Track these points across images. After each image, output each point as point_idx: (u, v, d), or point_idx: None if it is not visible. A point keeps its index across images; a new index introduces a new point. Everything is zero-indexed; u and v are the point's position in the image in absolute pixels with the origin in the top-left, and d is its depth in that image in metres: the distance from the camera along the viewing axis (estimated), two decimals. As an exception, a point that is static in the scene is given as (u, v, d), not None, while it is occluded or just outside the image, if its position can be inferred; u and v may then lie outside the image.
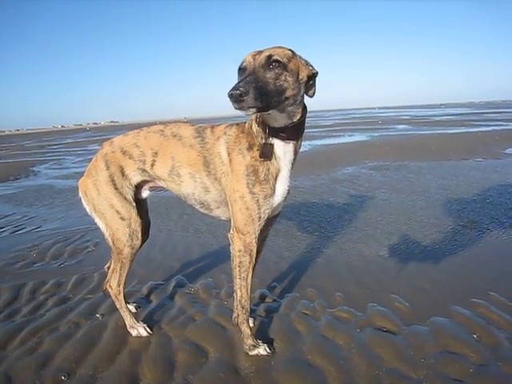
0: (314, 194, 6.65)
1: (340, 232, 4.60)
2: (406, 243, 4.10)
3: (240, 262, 2.25)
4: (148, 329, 2.67)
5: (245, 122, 2.29)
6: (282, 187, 2.24)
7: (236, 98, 1.72)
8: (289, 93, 1.93)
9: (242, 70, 1.91)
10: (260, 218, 2.20)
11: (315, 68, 2.06)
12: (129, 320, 2.66)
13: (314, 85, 2.11)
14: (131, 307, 3.00)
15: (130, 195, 2.45)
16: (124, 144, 2.44)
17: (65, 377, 2.24)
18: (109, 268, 2.80)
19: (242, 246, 2.22)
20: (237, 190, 2.16)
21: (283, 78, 1.89)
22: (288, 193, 2.30)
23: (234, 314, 2.38)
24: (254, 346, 2.34)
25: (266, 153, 2.12)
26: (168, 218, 5.69)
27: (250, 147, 2.17)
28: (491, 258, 3.60)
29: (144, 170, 2.42)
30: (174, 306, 3.07)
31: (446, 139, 13.50)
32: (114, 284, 2.61)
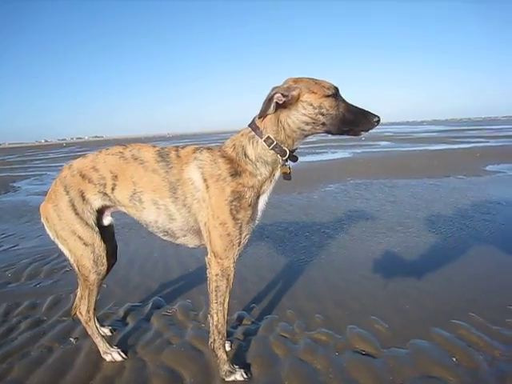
0: (295, 211, 6.66)
1: (321, 251, 4.60)
2: (387, 262, 4.13)
3: (217, 287, 2.22)
4: (122, 354, 2.60)
5: (217, 147, 2.27)
6: (261, 208, 2.26)
7: None
8: None
9: (337, 93, 2.07)
10: (240, 243, 2.19)
11: None
12: (102, 345, 2.59)
13: None
14: (106, 330, 2.93)
15: (91, 220, 2.37)
16: (83, 167, 2.36)
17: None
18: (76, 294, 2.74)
19: (219, 270, 2.20)
20: (217, 217, 2.13)
21: None
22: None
23: (211, 339, 2.34)
24: (231, 372, 2.30)
25: (289, 175, 2.20)
26: (148, 236, 5.61)
27: (237, 173, 2.14)
28: (472, 277, 3.62)
29: (105, 194, 2.34)
30: (151, 329, 3.01)
31: (427, 156, 13.74)
32: (84, 310, 2.54)
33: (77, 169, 2.38)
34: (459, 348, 2.53)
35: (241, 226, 2.15)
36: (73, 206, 2.33)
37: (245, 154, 2.17)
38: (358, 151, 17.17)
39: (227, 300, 2.26)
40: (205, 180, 2.16)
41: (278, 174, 2.24)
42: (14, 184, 13.13)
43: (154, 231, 2.39)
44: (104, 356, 2.58)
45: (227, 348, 2.62)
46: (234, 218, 2.12)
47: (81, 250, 2.37)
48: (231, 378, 2.29)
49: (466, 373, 2.30)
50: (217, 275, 2.20)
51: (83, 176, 2.34)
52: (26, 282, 4.14)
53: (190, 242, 2.38)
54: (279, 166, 2.20)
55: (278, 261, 4.40)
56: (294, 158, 2.23)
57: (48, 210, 2.39)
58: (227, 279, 2.22)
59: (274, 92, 2.03)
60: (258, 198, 2.22)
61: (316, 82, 2.07)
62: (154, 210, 2.29)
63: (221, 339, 2.30)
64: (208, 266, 2.24)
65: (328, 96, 2.03)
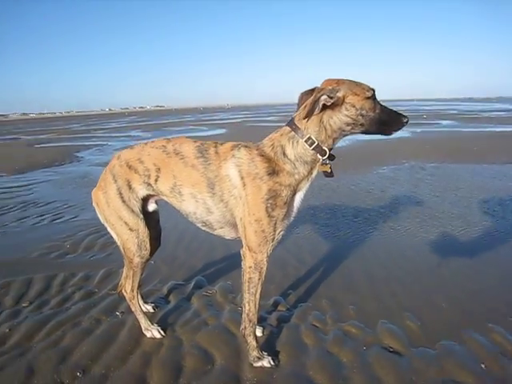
0: (345, 194, 6.61)
1: (364, 238, 4.57)
2: (431, 254, 4.04)
3: (249, 278, 2.32)
4: (161, 331, 2.79)
5: (255, 145, 2.32)
6: (296, 205, 2.32)
7: None
8: None
9: (375, 95, 2.14)
10: (274, 239, 2.27)
11: None
12: (143, 322, 2.79)
13: None
14: (149, 307, 3.14)
15: (137, 208, 2.53)
16: (130, 158, 2.51)
17: (80, 373, 2.40)
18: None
19: (252, 263, 2.29)
20: (253, 214, 2.21)
21: None
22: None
23: (242, 326, 2.45)
24: (259, 358, 2.41)
25: (331, 173, 2.30)
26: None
27: (274, 172, 2.20)
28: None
29: (149, 184, 2.49)
30: (190, 309, 3.18)
31: (492, 138, 12.94)
32: (128, 289, 2.74)
33: (124, 159, 2.52)
34: (490, 354, 2.48)
35: (275, 223, 2.22)
36: (120, 194, 2.50)
37: (283, 154, 2.22)
38: (418, 130, 16.50)
39: (259, 291, 2.35)
40: (242, 178, 2.23)
41: (315, 172, 2.30)
42: (78, 154, 13.90)
43: (193, 221, 2.52)
44: (145, 332, 2.78)
45: (259, 334, 2.74)
46: (269, 216, 2.19)
47: (126, 234, 2.55)
48: (259, 364, 2.40)
49: (493, 382, 2.26)
50: (250, 267, 2.30)
51: (130, 167, 2.49)
52: (82, 253, 4.46)
53: (227, 234, 2.49)
54: (318, 164, 2.26)
55: (320, 245, 4.43)
56: (332, 157, 2.28)
57: (98, 196, 2.58)
58: (259, 272, 2.30)
59: (320, 94, 2.07)
60: (294, 195, 2.28)
61: (357, 83, 2.13)
62: (193, 202, 2.41)
63: (251, 327, 2.41)
64: (243, 258, 2.34)
65: (368, 98, 2.10)
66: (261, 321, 2.94)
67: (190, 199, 2.40)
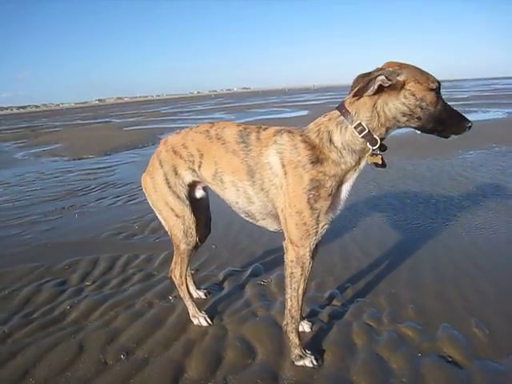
0: (426, 180, 6.12)
1: (438, 231, 4.16)
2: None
3: (291, 273, 2.16)
4: (208, 320, 2.74)
5: (299, 130, 2.13)
6: (343, 197, 2.13)
7: None
8: None
9: (439, 89, 1.92)
10: (317, 232, 2.09)
11: None
12: (191, 309, 2.76)
13: None
14: (201, 293, 3.12)
15: (183, 194, 2.47)
16: (175, 143, 2.45)
17: (124, 356, 2.43)
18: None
19: (294, 257, 2.13)
20: (294, 205, 2.04)
21: None
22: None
23: (284, 322, 2.31)
24: (301, 357, 2.26)
25: (384, 164, 2.05)
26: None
27: (318, 160, 2.01)
28: None
29: (194, 170, 2.41)
30: (242, 297, 3.10)
31: None
32: (177, 275, 2.72)
33: (170, 145, 2.48)
34: None
35: (318, 216, 2.03)
36: (166, 179, 2.46)
37: (330, 141, 2.01)
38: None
39: (302, 287, 2.19)
40: (283, 166, 2.07)
41: (364, 163, 2.07)
42: (161, 136, 14.45)
43: (236, 211, 2.41)
44: (192, 319, 2.75)
45: (307, 329, 2.59)
46: (312, 208, 2.01)
47: (173, 220, 2.51)
48: (300, 363, 2.25)
49: None
50: (292, 262, 2.14)
51: (175, 152, 2.44)
52: (148, 235, 4.59)
53: (270, 225, 2.35)
54: (367, 154, 2.02)
55: (388, 236, 4.11)
56: (383, 148, 2.02)
57: (146, 181, 2.57)
58: (302, 267, 2.14)
59: (378, 73, 1.83)
60: (339, 186, 2.07)
61: (422, 72, 1.89)
62: (234, 191, 2.30)
63: (293, 323, 2.25)
64: (285, 251, 2.19)
65: (432, 90, 1.87)
66: (312, 315, 2.79)
67: (231, 187, 2.29)
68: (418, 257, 3.60)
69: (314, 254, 2.42)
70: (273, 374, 2.21)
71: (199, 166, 2.38)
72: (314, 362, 2.25)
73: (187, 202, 2.50)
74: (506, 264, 3.36)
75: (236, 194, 2.29)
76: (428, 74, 1.89)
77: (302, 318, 2.65)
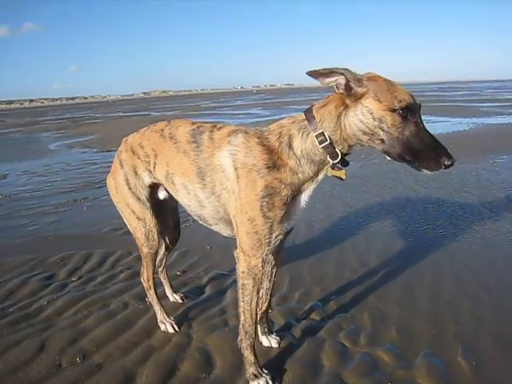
0: (448, 185, 5.74)
1: (451, 240, 3.86)
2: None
3: (243, 285, 2.00)
4: (176, 326, 2.62)
5: (258, 131, 1.95)
6: (300, 207, 1.96)
7: None
8: None
9: (410, 111, 1.64)
10: (270, 243, 1.92)
11: None
12: (159, 314, 2.66)
13: None
14: (178, 297, 3.01)
15: (143, 195, 2.35)
16: (133, 143, 2.34)
17: (79, 359, 2.35)
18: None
19: (246, 267, 1.97)
20: (245, 212, 1.87)
21: None
22: None
23: (238, 338, 2.15)
24: (256, 376, 2.09)
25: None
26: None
27: (275, 166, 1.84)
28: None
29: (150, 171, 2.29)
30: (220, 304, 2.97)
31: None
32: (145, 278, 2.61)
33: (129, 144, 2.38)
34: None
35: (271, 226, 1.86)
36: (127, 180, 2.36)
37: (290, 146, 1.84)
38: None
39: (255, 300, 2.02)
40: (236, 169, 1.91)
41: (322, 175, 1.90)
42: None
43: (191, 215, 2.28)
44: (159, 324, 2.65)
45: (274, 345, 2.43)
46: (265, 216, 1.84)
47: (134, 223, 2.42)
48: (255, 383, 2.08)
49: None
50: (243, 273, 1.98)
51: (133, 152, 2.34)
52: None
53: (223, 231, 2.20)
54: (326, 167, 1.84)
55: (392, 246, 3.85)
56: (344, 163, 1.84)
57: (110, 181, 2.48)
58: (254, 279, 1.97)
59: (342, 71, 1.66)
60: (296, 196, 1.90)
61: (390, 88, 1.65)
62: (185, 193, 2.17)
63: (248, 339, 2.09)
64: (237, 261, 2.03)
65: (394, 110, 1.61)
66: (284, 329, 2.62)
67: (182, 190, 2.16)
68: (418, 270, 3.33)
69: (277, 261, 2.29)
70: (223, 393, 2.06)
71: (154, 167, 2.26)
72: (270, 383, 2.08)
73: (148, 205, 2.38)
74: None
75: (187, 196, 2.16)
76: (398, 91, 1.64)
77: (271, 332, 2.49)
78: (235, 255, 2.03)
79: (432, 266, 3.39)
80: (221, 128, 2.08)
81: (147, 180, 2.33)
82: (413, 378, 2.12)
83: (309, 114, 1.82)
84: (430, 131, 1.67)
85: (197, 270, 3.55)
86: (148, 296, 2.68)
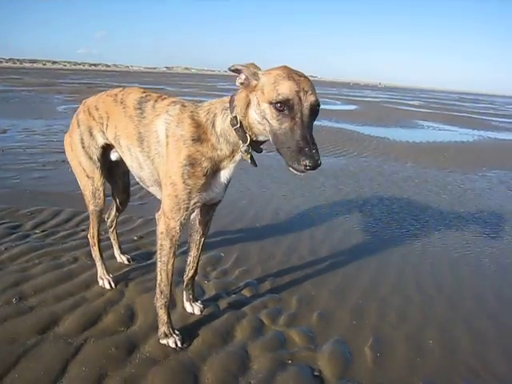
0: (430, 192, 5.82)
1: (414, 242, 3.97)
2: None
3: (161, 245, 2.16)
4: (113, 284, 2.79)
5: (194, 105, 2.10)
6: (221, 182, 2.10)
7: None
8: None
9: (286, 105, 1.67)
10: (188, 208, 2.08)
11: None
12: (100, 270, 2.83)
13: None
14: (124, 258, 3.18)
15: (95, 156, 2.51)
16: (90, 105, 2.49)
17: (15, 300, 2.52)
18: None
19: (164, 229, 2.13)
20: (169, 176, 2.05)
21: None
22: (228, 183, 2.16)
23: (155, 297, 2.30)
24: (166, 335, 2.25)
25: (253, 162, 2.01)
26: (243, 183, 5.71)
27: (199, 139, 2.00)
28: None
29: (103, 132, 2.45)
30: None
31: None
32: (90, 234, 2.78)
33: (87, 106, 2.53)
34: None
35: (190, 192, 2.03)
36: (82, 139, 2.51)
37: (213, 124, 2.00)
38: None
39: (171, 262, 2.18)
40: (167, 136, 2.09)
41: (238, 156, 2.03)
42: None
43: (134, 175, 2.46)
44: (98, 279, 2.82)
45: (197, 312, 2.59)
46: (185, 183, 2.01)
47: (84, 180, 2.58)
48: (164, 341, 2.24)
49: None
50: (161, 233, 2.14)
51: (90, 113, 2.48)
52: (134, 199, 4.62)
53: (157, 193, 2.39)
54: (240, 149, 1.98)
55: (349, 242, 3.96)
56: (258, 149, 2.00)
57: (66, 139, 2.64)
58: (171, 240, 2.13)
59: (240, 68, 1.82)
60: (217, 171, 2.06)
61: (277, 81, 1.71)
62: (129, 155, 2.35)
63: (163, 299, 2.24)
64: (157, 223, 2.18)
65: (271, 103, 1.70)
66: (212, 300, 2.78)
67: (126, 151, 2.35)
68: (362, 266, 3.46)
69: (205, 232, 2.43)
70: (132, 346, 2.21)
71: (106, 128, 2.42)
72: (178, 344, 2.24)
73: (98, 164, 2.54)
74: (450, 294, 3.16)
75: (130, 158, 2.35)
76: (283, 83, 1.68)
77: (196, 300, 2.64)
78: (156, 217, 2.19)
79: (377, 264, 3.52)
80: (164, 99, 2.24)
81: (100, 141, 2.49)
82: (313, 359, 2.26)
83: (233, 96, 1.96)
84: (308, 131, 1.66)
85: (153, 237, 3.67)
86: (92, 251, 2.84)
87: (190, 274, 2.56)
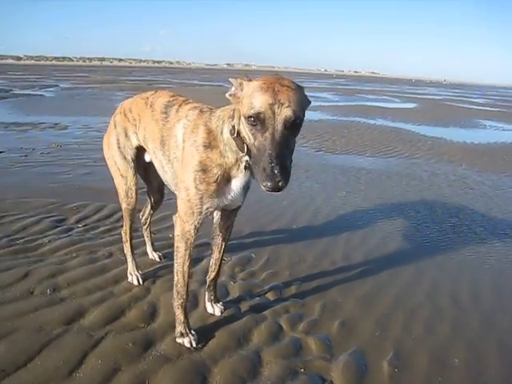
0: (485, 197, 5.52)
1: (455, 253, 3.78)
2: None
3: (177, 247, 2.21)
4: (141, 280, 2.89)
5: (210, 111, 2.12)
6: (233, 189, 2.10)
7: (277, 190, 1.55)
8: None
9: (258, 119, 1.60)
10: (201, 213, 2.10)
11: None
12: (130, 266, 2.94)
13: None
14: (156, 256, 3.27)
15: (130, 156, 2.60)
16: (126, 107, 2.59)
17: (49, 291, 2.69)
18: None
19: (180, 231, 2.17)
20: (183, 181, 2.09)
21: (298, 133, 1.70)
22: (248, 190, 2.16)
23: (173, 297, 2.35)
24: (182, 335, 2.29)
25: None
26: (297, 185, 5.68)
27: (210, 146, 2.01)
28: None
29: (137, 134, 2.53)
30: (193, 268, 3.17)
31: None
32: (123, 231, 2.89)
33: (123, 108, 2.64)
34: None
35: (202, 197, 2.05)
36: (118, 140, 2.63)
37: (221, 131, 2.00)
38: None
39: (187, 263, 2.21)
40: (183, 141, 2.13)
41: (243, 165, 2.01)
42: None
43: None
44: (128, 275, 2.93)
45: (217, 313, 2.61)
46: (196, 188, 2.04)
47: (118, 179, 2.69)
48: (179, 341, 2.29)
49: None
50: (177, 236, 2.19)
51: (125, 115, 2.59)
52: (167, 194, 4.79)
53: None
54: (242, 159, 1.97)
55: (383, 247, 3.82)
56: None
57: (104, 139, 2.77)
58: (186, 243, 2.17)
59: (233, 80, 1.80)
60: (229, 178, 2.05)
61: (254, 93, 1.63)
62: (154, 158, 2.44)
63: (179, 299, 2.28)
64: (174, 225, 2.22)
65: (245, 116, 1.66)
66: (235, 302, 2.79)
67: (153, 154, 2.44)
68: (395, 275, 3.32)
69: (226, 236, 2.45)
70: (148, 342, 2.28)
71: (138, 130, 2.51)
72: (193, 344, 2.27)
73: (132, 164, 2.63)
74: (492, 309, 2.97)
75: (156, 161, 2.43)
76: (257, 98, 1.59)
77: (218, 301, 2.67)
78: (174, 219, 2.23)
79: (412, 273, 3.36)
80: (188, 103, 2.29)
81: (134, 142, 2.58)
82: (326, 370, 2.20)
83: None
84: (279, 148, 1.54)
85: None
86: (124, 248, 2.96)
87: (212, 276, 2.59)
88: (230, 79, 1.82)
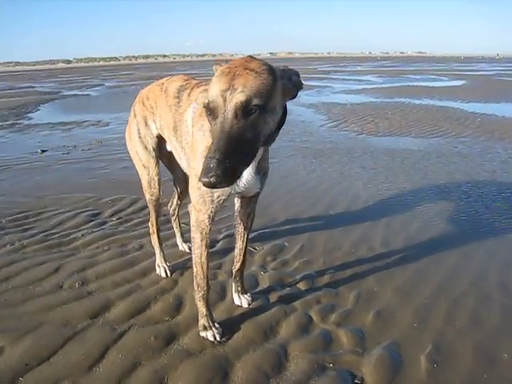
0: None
1: (498, 237, 3.48)
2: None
3: (193, 237, 2.11)
4: (169, 272, 2.84)
5: None
6: (245, 175, 1.92)
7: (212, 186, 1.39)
8: (268, 132, 1.54)
9: (210, 109, 1.46)
10: (213, 201, 1.98)
11: (301, 82, 1.68)
12: (158, 258, 2.89)
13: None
14: (186, 247, 3.21)
15: (151, 145, 2.53)
16: (144, 95, 2.53)
17: (78, 284, 2.70)
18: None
19: (194, 221, 2.07)
20: (193, 168, 1.98)
21: (262, 122, 1.46)
22: (265, 175, 2.02)
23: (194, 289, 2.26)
24: (205, 328, 2.21)
25: None
26: (321, 168, 5.47)
27: None
28: None
29: (155, 122, 2.46)
30: (219, 259, 3.08)
31: None
32: (150, 223, 2.85)
33: (141, 96, 2.59)
34: None
35: None
36: (138, 129, 2.57)
37: None
38: None
39: (204, 254, 2.11)
40: (192, 125, 2.02)
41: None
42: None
43: None
44: (156, 267, 2.89)
45: (245, 305, 2.51)
46: None
47: (141, 170, 2.65)
48: (203, 334, 2.20)
49: None
50: (193, 226, 2.09)
51: (143, 103, 2.53)
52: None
53: None
54: None
55: (425, 232, 3.55)
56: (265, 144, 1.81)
57: (126, 129, 2.73)
58: (201, 233, 2.07)
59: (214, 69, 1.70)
60: None
61: (213, 78, 1.51)
62: (171, 145, 2.37)
63: (200, 291, 2.19)
64: (190, 215, 2.13)
65: (203, 106, 1.50)
66: (264, 292, 2.67)
67: (169, 142, 2.37)
68: (439, 261, 3.06)
69: (248, 224, 2.33)
70: (171, 336, 2.20)
71: (156, 118, 2.44)
72: (217, 337, 2.18)
73: (153, 154, 2.56)
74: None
75: (173, 148, 2.37)
76: (212, 86, 1.46)
77: (245, 292, 2.56)
78: (189, 209, 2.13)
79: (457, 259, 3.09)
80: (200, 86, 2.17)
81: (154, 131, 2.51)
82: (357, 365, 2.03)
83: None
84: (223, 139, 1.36)
85: (219, 225, 3.69)
86: (151, 239, 2.91)
87: (238, 267, 2.49)
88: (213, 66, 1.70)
